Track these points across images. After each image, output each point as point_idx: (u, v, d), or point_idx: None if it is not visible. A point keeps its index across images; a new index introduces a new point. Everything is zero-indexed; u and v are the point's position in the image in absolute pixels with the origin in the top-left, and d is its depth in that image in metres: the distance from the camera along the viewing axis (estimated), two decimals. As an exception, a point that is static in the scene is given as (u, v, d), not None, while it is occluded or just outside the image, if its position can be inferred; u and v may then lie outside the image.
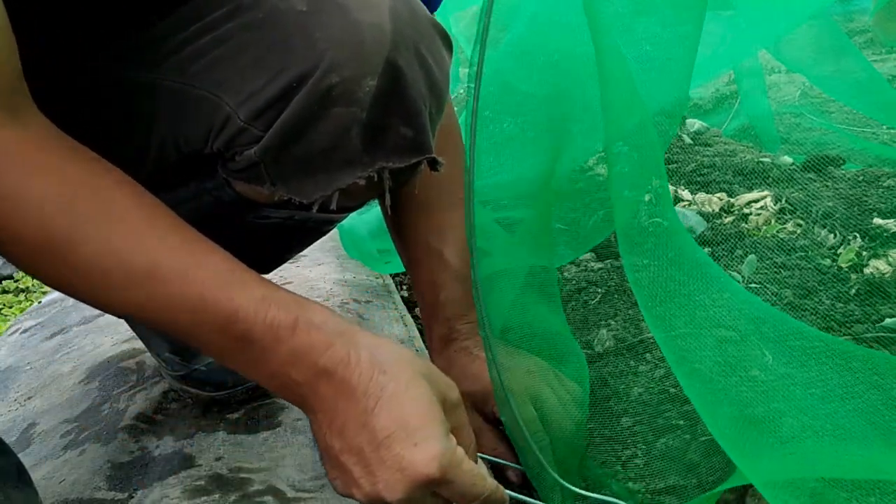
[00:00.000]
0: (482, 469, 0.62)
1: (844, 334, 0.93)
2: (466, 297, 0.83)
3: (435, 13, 0.77)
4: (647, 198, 0.60)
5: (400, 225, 0.88)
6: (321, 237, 0.89)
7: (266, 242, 0.62)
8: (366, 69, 0.62)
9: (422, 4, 0.69)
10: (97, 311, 1.41)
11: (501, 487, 0.62)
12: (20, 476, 0.68)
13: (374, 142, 0.64)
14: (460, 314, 0.84)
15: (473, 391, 0.79)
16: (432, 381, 0.60)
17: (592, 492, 0.68)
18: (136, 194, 0.58)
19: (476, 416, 0.80)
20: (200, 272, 0.56)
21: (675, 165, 1.67)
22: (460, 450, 0.58)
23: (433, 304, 0.85)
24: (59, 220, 0.54)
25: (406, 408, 0.57)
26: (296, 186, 0.66)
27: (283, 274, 1.40)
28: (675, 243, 0.61)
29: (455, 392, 0.61)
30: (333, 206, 0.66)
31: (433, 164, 0.69)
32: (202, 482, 0.81)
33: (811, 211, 1.29)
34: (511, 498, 0.66)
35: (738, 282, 1.11)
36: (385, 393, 0.57)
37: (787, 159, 1.58)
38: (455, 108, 0.93)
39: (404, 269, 1.40)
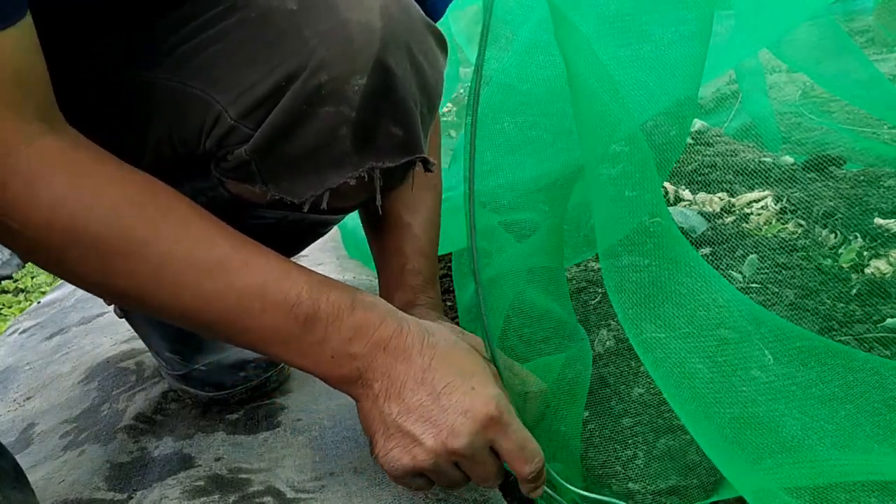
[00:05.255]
0: None
1: (845, 334, 0.93)
2: (429, 274, 0.86)
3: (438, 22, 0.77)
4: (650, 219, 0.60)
5: None
6: (317, 239, 0.89)
7: (262, 243, 0.62)
8: (355, 68, 0.62)
9: (415, 5, 0.69)
10: (96, 311, 1.41)
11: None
12: (18, 476, 0.68)
13: (364, 141, 0.64)
14: (422, 287, 0.85)
15: None
16: (469, 344, 0.67)
17: (592, 492, 0.68)
18: (183, 197, 0.62)
19: None
20: (263, 263, 0.61)
21: (675, 165, 1.67)
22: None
23: (399, 271, 0.85)
24: (134, 221, 0.57)
25: (458, 359, 0.63)
26: (286, 186, 0.67)
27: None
28: (676, 244, 0.60)
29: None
30: (324, 206, 0.67)
31: (425, 164, 0.69)
32: (201, 483, 0.81)
33: (812, 211, 1.29)
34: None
35: (739, 282, 1.11)
36: (437, 350, 0.63)
37: (789, 159, 1.58)
38: (454, 108, 0.93)
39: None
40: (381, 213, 0.73)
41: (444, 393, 0.61)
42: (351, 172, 0.65)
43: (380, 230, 0.88)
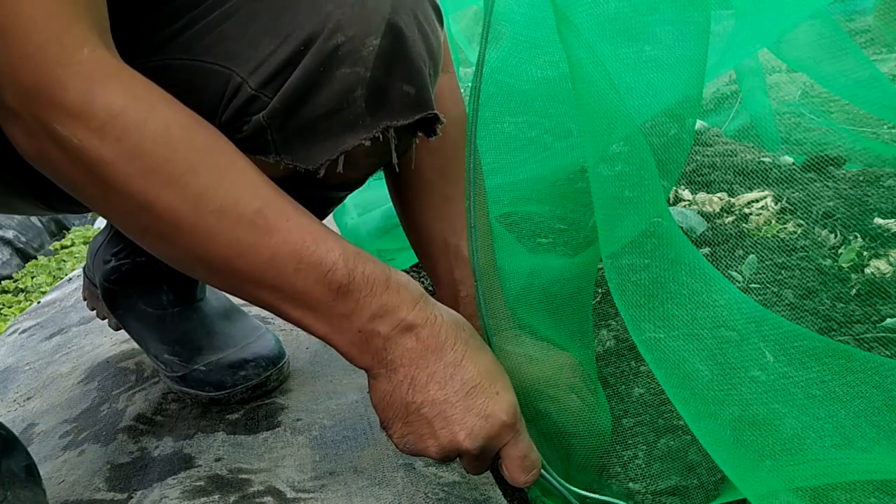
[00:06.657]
0: None
1: (845, 334, 0.93)
2: None
3: None
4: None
5: (413, 215, 0.88)
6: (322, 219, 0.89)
7: None
8: (369, 29, 0.64)
9: None
10: (97, 311, 1.40)
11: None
12: (29, 476, 0.68)
13: (377, 102, 0.66)
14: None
15: None
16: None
17: (593, 492, 0.68)
18: (224, 137, 0.61)
19: None
20: (300, 222, 0.60)
21: (674, 165, 1.67)
22: None
23: (454, 300, 0.85)
24: (183, 146, 0.57)
25: (487, 362, 0.63)
26: (302, 154, 0.67)
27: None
28: (676, 244, 0.60)
29: None
30: (340, 170, 0.67)
31: (433, 124, 0.70)
32: (202, 483, 0.81)
33: (812, 211, 1.28)
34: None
35: (739, 282, 1.11)
36: (469, 348, 0.63)
37: (788, 159, 1.58)
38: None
39: (405, 268, 1.41)
40: (398, 171, 0.72)
41: (470, 393, 0.61)
42: (365, 134, 0.66)
43: (430, 257, 0.88)
